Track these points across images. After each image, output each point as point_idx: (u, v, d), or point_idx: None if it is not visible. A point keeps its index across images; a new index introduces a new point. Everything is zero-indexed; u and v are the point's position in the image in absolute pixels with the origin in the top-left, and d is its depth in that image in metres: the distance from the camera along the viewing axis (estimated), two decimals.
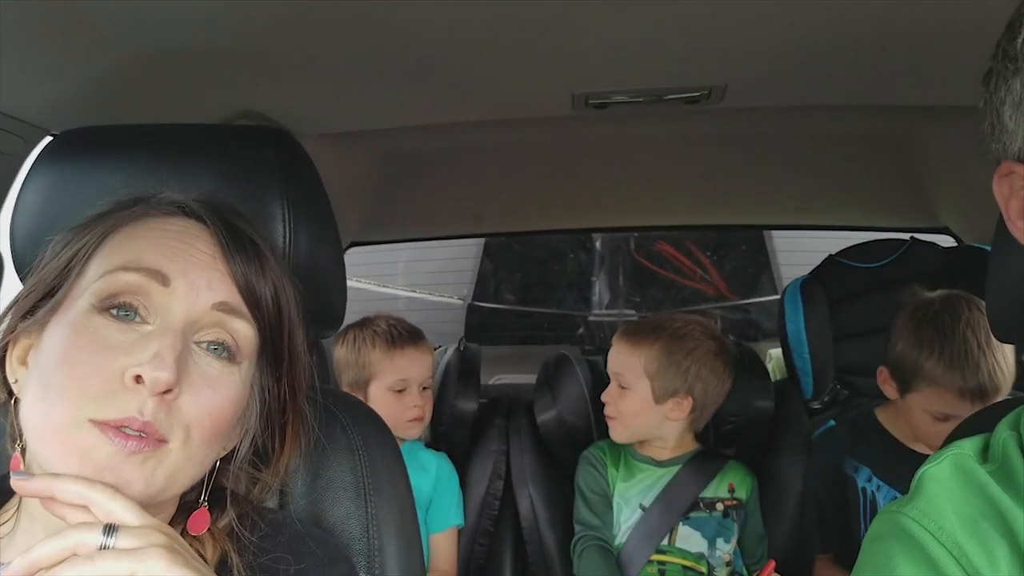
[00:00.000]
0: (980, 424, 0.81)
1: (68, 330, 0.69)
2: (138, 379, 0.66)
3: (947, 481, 0.67)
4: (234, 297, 0.74)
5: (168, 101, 1.38)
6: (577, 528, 1.76)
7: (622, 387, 1.70)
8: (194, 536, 0.76)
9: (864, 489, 1.68)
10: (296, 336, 0.80)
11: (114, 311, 0.69)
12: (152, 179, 0.82)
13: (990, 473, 0.66)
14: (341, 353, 1.83)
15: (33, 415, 0.68)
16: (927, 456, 1.63)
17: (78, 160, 0.96)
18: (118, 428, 0.65)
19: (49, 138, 1.25)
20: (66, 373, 0.67)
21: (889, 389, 1.63)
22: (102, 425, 0.65)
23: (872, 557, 0.67)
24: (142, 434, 0.66)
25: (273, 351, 0.78)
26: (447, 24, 1.18)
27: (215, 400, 0.71)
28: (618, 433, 1.74)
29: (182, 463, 0.70)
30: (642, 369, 1.68)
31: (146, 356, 0.66)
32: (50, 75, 1.18)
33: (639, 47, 1.31)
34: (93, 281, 0.71)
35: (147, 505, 0.66)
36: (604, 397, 1.74)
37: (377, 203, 2.26)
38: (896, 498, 1.60)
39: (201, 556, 0.74)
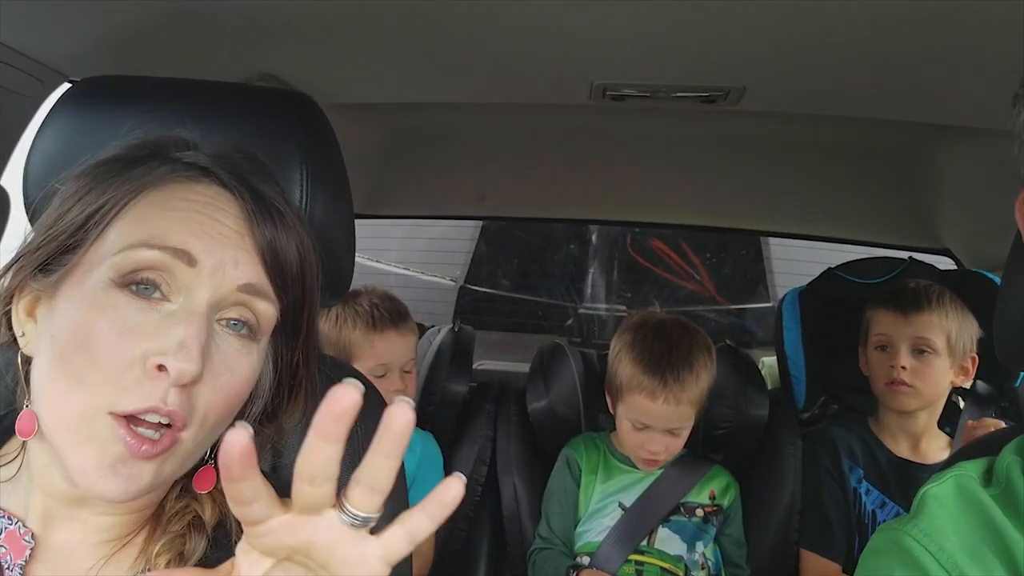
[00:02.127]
0: (985, 447, 0.81)
1: (85, 306, 0.65)
2: (161, 368, 0.63)
3: (950, 502, 0.67)
4: (260, 277, 0.71)
5: (186, 57, 1.37)
6: (536, 539, 1.77)
7: (674, 435, 1.65)
8: (192, 497, 0.75)
9: (855, 490, 1.72)
10: (315, 308, 0.79)
11: (134, 287, 0.66)
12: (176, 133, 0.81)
13: (993, 497, 0.66)
14: (324, 328, 1.78)
15: (49, 396, 0.66)
16: (916, 464, 1.67)
17: (97, 108, 0.94)
18: (134, 428, 0.63)
19: (68, 84, 1.23)
20: (84, 358, 0.64)
21: None
22: (120, 419, 0.63)
23: (870, 572, 0.67)
24: (161, 423, 0.64)
25: (293, 325, 0.76)
26: (472, 3, 1.17)
27: (232, 383, 0.69)
28: (654, 467, 1.72)
29: (193, 450, 0.69)
30: (693, 414, 1.65)
31: (170, 344, 0.64)
32: (72, 21, 1.17)
33: (662, 42, 1.31)
34: (113, 253, 0.67)
35: (169, 483, 0.67)
36: (654, 450, 1.65)
37: (383, 177, 2.25)
38: (884, 503, 1.66)
39: (199, 517, 0.74)
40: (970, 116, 1.58)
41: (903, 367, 1.65)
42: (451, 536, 1.91)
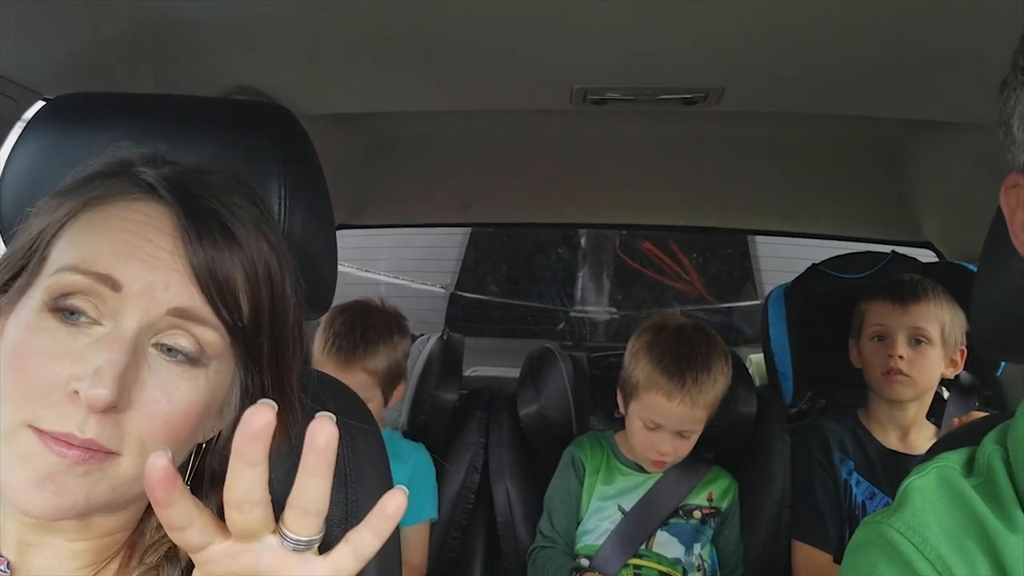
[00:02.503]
0: (966, 437, 0.81)
1: (21, 330, 0.64)
2: (78, 393, 0.61)
3: (932, 494, 0.67)
4: (194, 301, 0.66)
5: (165, 72, 1.35)
6: (537, 537, 1.77)
7: (684, 437, 1.65)
8: None
9: (846, 482, 1.73)
10: (282, 329, 0.73)
11: (64, 312, 0.64)
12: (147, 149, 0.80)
13: (975, 487, 0.66)
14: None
15: None
16: (905, 456, 1.69)
17: (71, 126, 0.92)
18: (57, 439, 0.61)
19: (42, 103, 1.22)
20: (12, 378, 0.62)
21: None
22: (41, 434, 0.61)
23: (855, 566, 0.67)
24: (85, 447, 0.62)
25: (251, 349, 0.71)
26: (449, 10, 1.17)
27: (170, 410, 0.65)
28: (661, 468, 1.72)
29: (135, 473, 0.64)
30: (705, 418, 1.65)
31: (88, 369, 0.61)
32: (45, 38, 1.15)
33: (641, 45, 1.31)
34: (48, 275, 0.65)
35: (109, 508, 0.65)
36: (664, 451, 1.65)
37: (367, 187, 2.25)
38: (874, 494, 1.67)
39: (175, 548, 0.72)
40: (948, 111, 1.60)
41: (900, 356, 1.68)
42: (445, 544, 1.91)
